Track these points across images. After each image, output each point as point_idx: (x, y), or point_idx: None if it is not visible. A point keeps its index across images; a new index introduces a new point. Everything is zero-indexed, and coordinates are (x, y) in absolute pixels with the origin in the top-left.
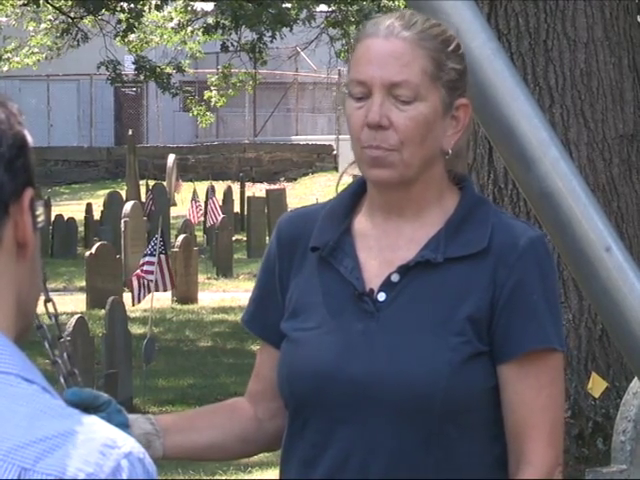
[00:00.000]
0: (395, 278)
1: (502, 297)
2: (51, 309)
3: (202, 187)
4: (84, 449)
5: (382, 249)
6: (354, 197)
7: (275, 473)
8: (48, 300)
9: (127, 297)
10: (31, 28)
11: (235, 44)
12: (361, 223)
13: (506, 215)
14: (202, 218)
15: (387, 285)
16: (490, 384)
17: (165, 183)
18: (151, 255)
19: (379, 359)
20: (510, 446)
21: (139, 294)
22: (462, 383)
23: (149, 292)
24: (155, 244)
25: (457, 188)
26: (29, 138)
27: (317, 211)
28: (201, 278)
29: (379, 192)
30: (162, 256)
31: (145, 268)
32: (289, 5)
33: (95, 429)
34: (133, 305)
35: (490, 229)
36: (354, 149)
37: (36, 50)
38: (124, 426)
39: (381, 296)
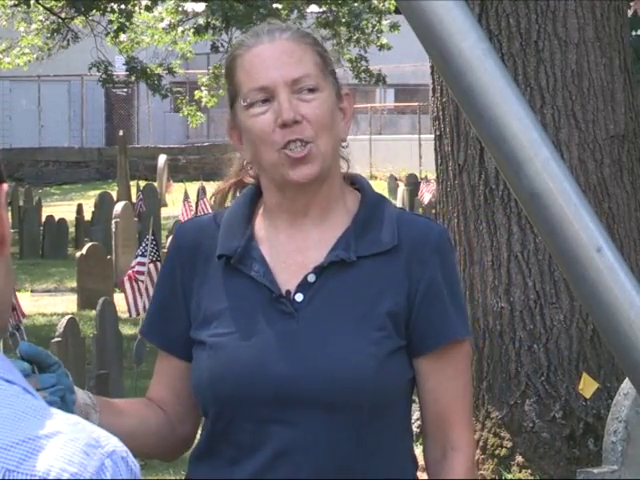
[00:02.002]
0: (311, 278)
1: (419, 292)
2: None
3: (193, 188)
4: (67, 449)
5: (290, 252)
6: (251, 204)
7: None
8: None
9: (118, 298)
10: (22, 29)
11: (226, 45)
12: (262, 229)
13: (407, 212)
14: None
15: (303, 286)
16: (408, 377)
17: (156, 184)
18: (142, 256)
19: (303, 357)
20: (432, 434)
21: (135, 302)
22: (388, 376)
23: (141, 297)
24: (147, 245)
25: (353, 188)
26: None
27: (212, 220)
28: None
29: (289, 195)
30: (152, 265)
31: (137, 269)
32: (280, 6)
33: (78, 429)
34: (130, 316)
35: (396, 226)
36: (264, 156)
37: (27, 51)
38: (70, 391)
39: (299, 297)
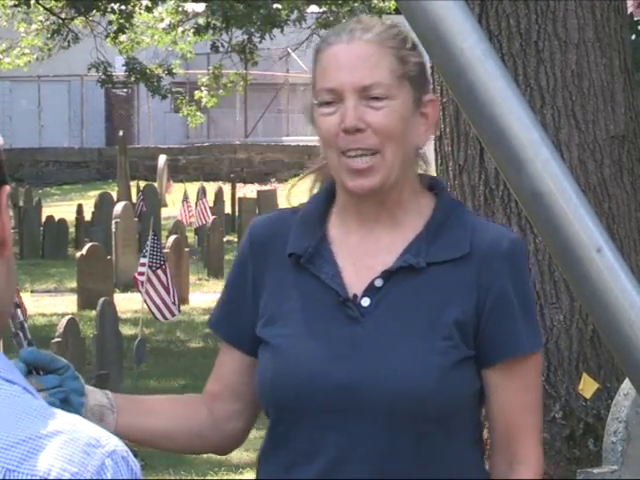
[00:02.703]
0: (379, 283)
1: (488, 301)
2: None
3: (193, 188)
4: (68, 449)
5: (361, 255)
6: (325, 203)
7: None
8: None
9: (118, 298)
10: (22, 29)
11: (225, 45)
12: (335, 230)
13: (482, 219)
14: (193, 219)
15: (371, 290)
16: (474, 388)
17: (156, 184)
18: (144, 257)
19: (367, 364)
20: (499, 447)
21: (156, 307)
22: (452, 387)
23: (161, 300)
24: (152, 246)
25: (431, 193)
26: None
27: (289, 216)
28: (192, 279)
29: (355, 200)
30: (161, 270)
31: (140, 270)
32: (280, 6)
33: (78, 429)
34: (159, 320)
35: (470, 233)
36: (329, 157)
37: (27, 51)
38: (78, 394)
39: (365, 301)
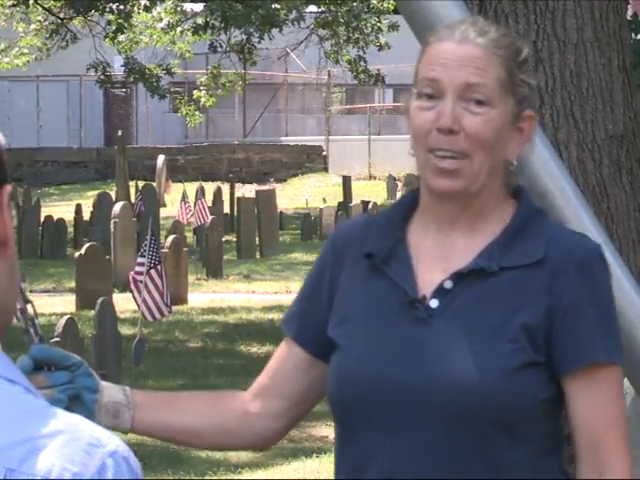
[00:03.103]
0: (448, 285)
1: (559, 309)
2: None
3: (192, 188)
4: (69, 449)
5: (435, 258)
6: (407, 207)
7: (264, 473)
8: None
9: (117, 298)
10: (20, 29)
11: (224, 45)
12: (414, 234)
13: (563, 227)
14: (192, 219)
15: (440, 292)
16: (544, 396)
17: (155, 184)
18: (142, 256)
19: (431, 365)
20: (585, 457)
21: (147, 307)
22: (515, 390)
23: (152, 299)
24: (149, 246)
25: (514, 200)
26: (1, 137)
27: (371, 221)
28: (191, 279)
29: (436, 202)
30: (154, 271)
31: (137, 269)
32: (278, 6)
33: (80, 428)
34: (146, 320)
35: (547, 240)
36: (416, 152)
37: (25, 51)
38: (91, 391)
39: (433, 303)
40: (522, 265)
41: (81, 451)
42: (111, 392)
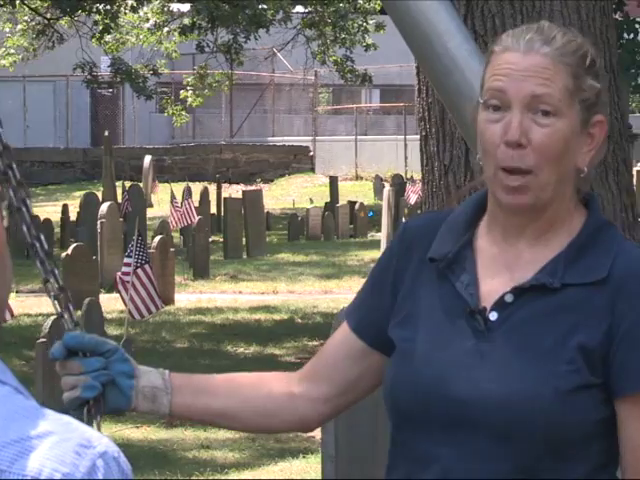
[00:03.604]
0: (509, 299)
1: (621, 329)
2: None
3: (178, 188)
4: (59, 449)
5: (500, 268)
6: (476, 209)
7: (251, 474)
8: (47, 280)
9: (103, 298)
10: (7, 29)
11: (211, 45)
12: (482, 238)
13: (630, 243)
14: (179, 219)
15: (500, 305)
16: (598, 417)
17: (141, 184)
18: (128, 256)
19: (485, 381)
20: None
21: (135, 306)
22: (566, 413)
23: (139, 297)
24: (136, 246)
25: (585, 210)
26: None
27: (441, 218)
28: (178, 279)
29: (503, 213)
30: (141, 270)
31: (124, 270)
32: (265, 6)
33: (70, 429)
34: (134, 319)
35: (612, 257)
36: (485, 165)
37: (12, 51)
38: (126, 376)
39: (493, 315)
40: (585, 283)
41: (71, 452)
42: (149, 377)
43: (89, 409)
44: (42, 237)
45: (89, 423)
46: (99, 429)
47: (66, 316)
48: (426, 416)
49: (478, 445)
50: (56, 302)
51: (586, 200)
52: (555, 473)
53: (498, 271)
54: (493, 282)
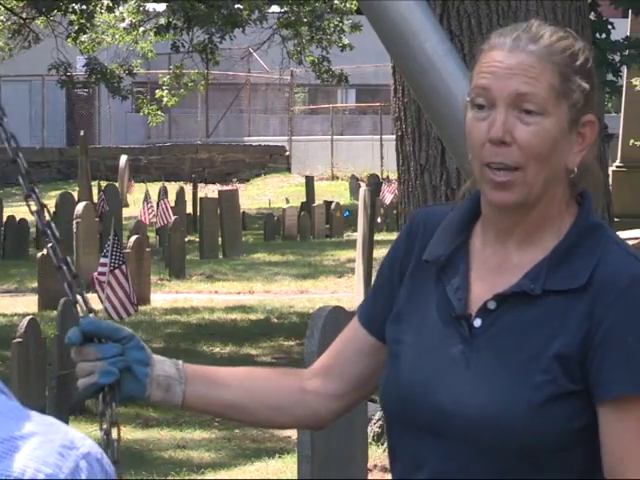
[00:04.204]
0: (491, 306)
1: (597, 336)
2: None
3: (154, 188)
4: (42, 450)
5: (490, 270)
6: (471, 210)
7: (227, 474)
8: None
9: (79, 298)
10: None
11: (186, 45)
12: (477, 239)
13: (616, 246)
14: (154, 219)
15: (483, 311)
16: (580, 424)
17: (117, 184)
18: (104, 257)
19: (464, 389)
20: None
21: (112, 307)
22: (541, 423)
23: (117, 298)
24: (112, 246)
25: (578, 209)
26: None
27: (446, 213)
28: (153, 279)
29: (494, 212)
30: (118, 270)
31: (100, 269)
32: (241, 6)
33: (53, 430)
34: (114, 319)
35: (595, 262)
36: (473, 164)
37: None
38: (142, 364)
39: (477, 322)
40: (566, 289)
41: (54, 453)
42: (163, 366)
43: (104, 396)
44: (53, 225)
45: (104, 410)
46: (114, 416)
47: (81, 300)
48: (412, 421)
49: (461, 454)
50: (69, 289)
51: (580, 200)
52: None
53: (488, 274)
54: (482, 286)
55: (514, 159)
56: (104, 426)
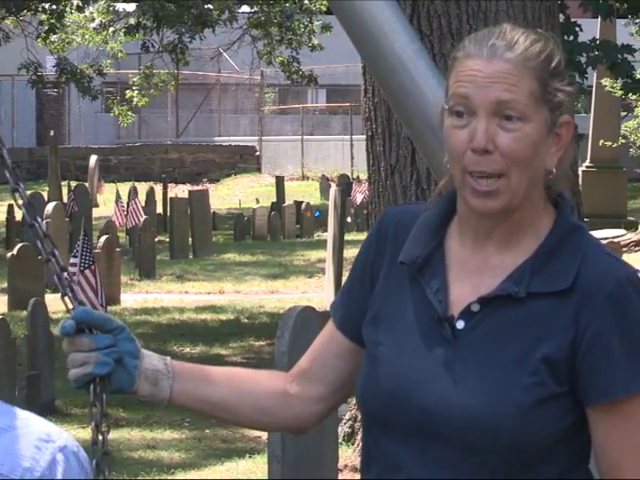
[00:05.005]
0: (475, 308)
1: (585, 339)
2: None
3: (124, 188)
4: (20, 444)
5: (469, 272)
6: (448, 209)
7: (197, 474)
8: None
9: (49, 298)
10: None
11: (156, 45)
12: (453, 239)
13: (598, 248)
14: (125, 219)
15: (467, 313)
16: (566, 424)
17: (87, 184)
18: (74, 257)
19: (450, 392)
20: None
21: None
22: (529, 425)
23: (87, 299)
24: (82, 246)
25: (555, 211)
26: None
27: (419, 212)
28: (123, 279)
29: (473, 216)
30: (89, 271)
31: (70, 270)
32: (211, 6)
33: (30, 424)
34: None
35: (578, 264)
36: (453, 170)
37: None
38: (132, 356)
39: (460, 324)
40: (550, 292)
41: (32, 446)
42: (151, 360)
43: (94, 388)
44: (39, 219)
45: (95, 401)
46: (104, 407)
47: (70, 294)
48: (392, 422)
49: (442, 455)
50: (59, 281)
51: (555, 201)
52: None
53: (467, 275)
54: (462, 288)
55: (497, 167)
56: (94, 417)
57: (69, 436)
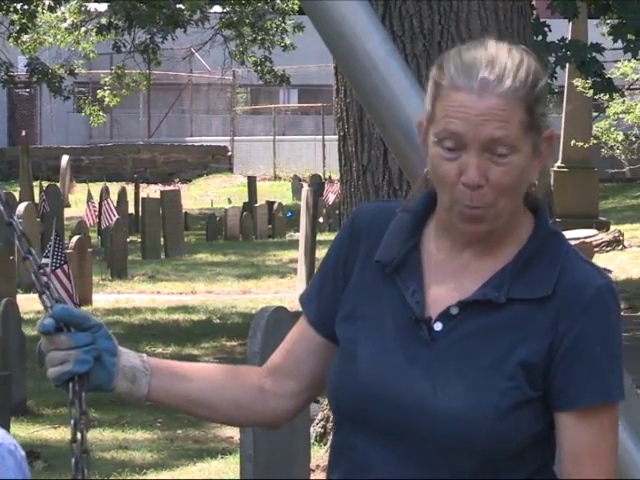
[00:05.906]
0: (454, 311)
1: (562, 346)
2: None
3: (96, 188)
4: None
5: (447, 275)
6: (424, 210)
7: (170, 474)
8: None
9: (20, 299)
10: None
11: (128, 45)
12: (430, 241)
13: (576, 255)
14: (97, 219)
15: (445, 316)
16: (537, 428)
17: (59, 184)
18: (46, 257)
19: (427, 392)
20: None
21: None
22: (506, 429)
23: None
24: (54, 246)
25: (533, 217)
26: None
27: (393, 210)
28: (95, 279)
29: (455, 230)
30: (60, 270)
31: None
32: (183, 6)
33: None
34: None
35: (557, 272)
36: (439, 193)
37: None
38: (110, 353)
39: (437, 326)
40: (530, 299)
41: None
42: (128, 357)
43: (74, 385)
44: (16, 217)
45: (74, 399)
46: (83, 405)
47: (47, 292)
48: (365, 421)
49: (415, 455)
50: (36, 279)
51: (533, 206)
52: None
53: (444, 279)
54: (440, 290)
55: (487, 200)
56: (73, 415)
57: (6, 434)
